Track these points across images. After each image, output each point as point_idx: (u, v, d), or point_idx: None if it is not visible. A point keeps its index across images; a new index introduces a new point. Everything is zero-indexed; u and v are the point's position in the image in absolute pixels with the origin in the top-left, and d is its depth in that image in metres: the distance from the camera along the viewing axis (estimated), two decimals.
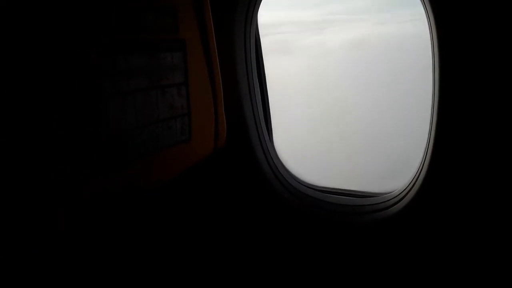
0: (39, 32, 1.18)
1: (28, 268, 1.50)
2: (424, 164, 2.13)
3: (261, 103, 2.66)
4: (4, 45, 1.10)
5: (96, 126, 1.37)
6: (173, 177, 1.78)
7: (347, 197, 2.59)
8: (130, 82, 1.49)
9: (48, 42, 1.20)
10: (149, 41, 1.56)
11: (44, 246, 1.43)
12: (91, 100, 1.34)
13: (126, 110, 1.48)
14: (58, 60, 1.23)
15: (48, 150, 1.21)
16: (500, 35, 1.76)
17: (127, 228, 2.03)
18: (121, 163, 1.48)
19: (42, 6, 1.19)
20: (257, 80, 2.61)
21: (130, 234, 2.03)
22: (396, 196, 2.37)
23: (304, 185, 2.70)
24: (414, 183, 2.23)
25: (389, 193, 2.47)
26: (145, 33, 1.55)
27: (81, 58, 1.30)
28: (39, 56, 1.18)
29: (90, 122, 1.34)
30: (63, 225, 1.36)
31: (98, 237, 1.84)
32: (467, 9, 1.78)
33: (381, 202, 2.42)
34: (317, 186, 2.71)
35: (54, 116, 1.23)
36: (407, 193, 2.27)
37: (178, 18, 1.69)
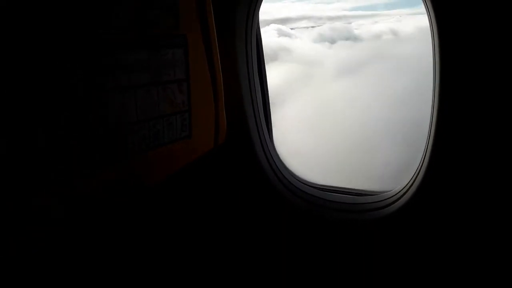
0: (39, 27, 1.18)
1: (28, 268, 1.50)
2: (423, 163, 2.14)
3: (261, 100, 2.66)
4: (3, 40, 1.09)
5: (96, 121, 1.36)
6: (173, 173, 1.78)
7: (346, 195, 2.60)
8: (131, 77, 1.48)
9: (48, 37, 1.20)
10: (150, 36, 1.56)
11: (44, 246, 1.43)
12: (91, 95, 1.34)
13: (126, 105, 1.48)
14: (58, 55, 1.23)
15: (47, 147, 1.21)
16: (501, 32, 1.77)
17: (126, 224, 2.03)
18: (121, 158, 1.48)
19: (43, 1, 1.19)
20: (258, 77, 2.62)
21: (129, 230, 2.04)
22: (395, 194, 2.38)
23: (303, 183, 2.71)
24: (413, 182, 2.24)
25: (388, 191, 2.48)
26: (146, 28, 1.55)
27: (81, 53, 1.30)
28: (38, 51, 1.17)
29: (90, 117, 1.34)
30: (63, 224, 1.35)
31: (98, 232, 1.84)
32: (468, 5, 1.78)
33: (379, 201, 2.43)
34: (316, 184, 2.72)
35: (53, 112, 1.23)
36: (406, 192, 2.28)
37: (180, 13, 1.68)
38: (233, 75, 2.38)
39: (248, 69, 2.48)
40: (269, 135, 2.75)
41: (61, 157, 1.25)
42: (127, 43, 1.46)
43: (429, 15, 1.99)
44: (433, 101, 2.05)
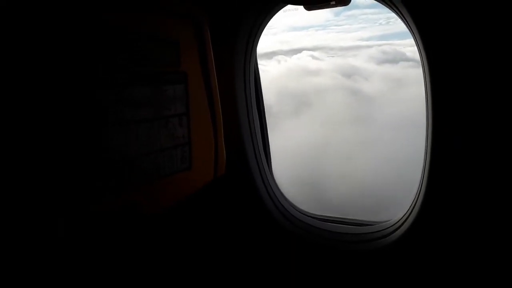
0: (48, 65, 1.24)
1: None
2: (420, 193, 2.16)
3: (260, 132, 2.72)
4: (15, 78, 1.16)
5: (100, 153, 1.41)
6: (174, 204, 1.81)
7: (345, 226, 2.61)
8: (134, 112, 1.54)
9: (57, 75, 1.27)
10: (152, 73, 1.63)
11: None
12: (96, 129, 1.39)
13: (129, 139, 1.53)
14: (66, 92, 1.29)
15: (52, 175, 1.25)
16: (487, 64, 1.83)
17: (126, 254, 2.03)
18: (122, 189, 1.52)
19: (52, 41, 1.26)
20: (256, 110, 2.69)
21: (128, 260, 2.04)
22: (394, 224, 2.39)
23: (303, 214, 2.72)
24: (411, 212, 2.26)
25: (386, 221, 2.50)
26: (149, 66, 1.62)
27: (87, 89, 1.36)
28: (48, 89, 1.24)
29: (94, 149, 1.39)
30: (61, 250, 1.37)
31: (98, 260, 1.85)
32: (456, 38, 1.85)
33: (378, 231, 2.43)
34: (315, 215, 2.74)
35: (61, 143, 1.28)
36: (404, 222, 2.29)
37: (180, 51, 1.76)
38: (232, 108, 2.45)
39: (246, 102, 2.55)
40: (268, 165, 2.79)
41: (64, 184, 1.29)
42: (130, 80, 1.53)
43: (418, 49, 2.07)
44: (427, 131, 2.09)
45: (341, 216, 2.70)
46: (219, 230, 2.60)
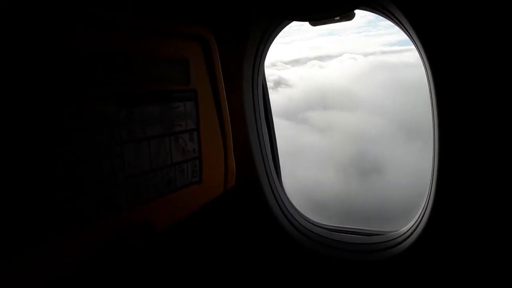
0: (58, 84, 1.30)
1: None
2: (429, 202, 2.18)
3: (269, 145, 2.78)
4: (24, 94, 1.21)
5: (112, 170, 1.47)
6: (185, 217, 1.86)
7: (354, 235, 2.63)
8: (145, 130, 1.60)
9: (65, 91, 1.31)
10: (163, 92, 1.69)
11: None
12: (108, 147, 1.45)
13: (140, 155, 1.59)
14: (78, 111, 1.35)
15: (63, 190, 1.31)
16: (494, 67, 1.84)
17: (135, 267, 2.08)
18: (134, 204, 1.57)
19: (61, 61, 1.32)
20: (265, 123, 2.75)
21: (137, 273, 2.08)
22: (403, 234, 2.40)
23: (313, 224, 2.75)
24: (420, 222, 2.27)
25: (395, 231, 2.51)
26: (159, 84, 1.68)
27: (99, 108, 1.43)
28: (55, 105, 1.28)
29: (106, 166, 1.45)
30: (73, 265, 1.42)
31: (104, 275, 1.89)
32: (459, 44, 1.87)
33: (388, 240, 2.45)
34: (325, 225, 2.77)
35: (73, 160, 1.34)
36: (413, 231, 2.31)
37: (190, 70, 1.83)
38: (241, 122, 2.51)
39: (255, 116, 2.61)
40: (277, 176, 2.84)
41: (76, 200, 1.35)
42: (141, 98, 1.60)
43: (421, 57, 2.10)
44: (434, 141, 2.11)
45: (350, 226, 2.72)
46: (228, 241, 2.64)
